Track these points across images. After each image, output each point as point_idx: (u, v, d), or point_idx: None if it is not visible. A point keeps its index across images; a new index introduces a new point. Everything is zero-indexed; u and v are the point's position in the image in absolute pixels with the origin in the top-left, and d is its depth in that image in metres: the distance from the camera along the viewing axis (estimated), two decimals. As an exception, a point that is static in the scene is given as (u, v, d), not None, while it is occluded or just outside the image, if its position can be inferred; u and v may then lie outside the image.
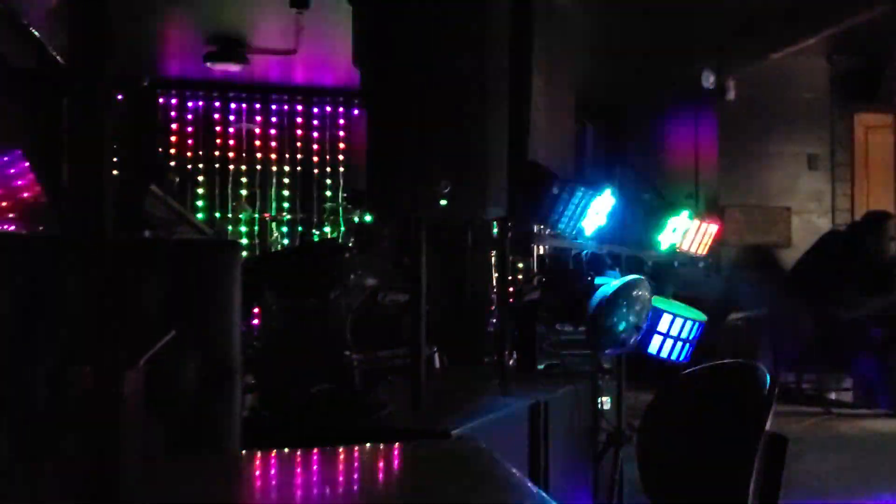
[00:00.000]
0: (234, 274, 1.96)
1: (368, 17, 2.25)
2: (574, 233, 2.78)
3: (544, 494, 1.16)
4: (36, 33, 2.90)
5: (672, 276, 4.10)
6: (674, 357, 3.26)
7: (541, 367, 3.65)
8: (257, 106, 8.31)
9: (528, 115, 2.58)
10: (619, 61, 6.72)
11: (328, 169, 8.44)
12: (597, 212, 2.83)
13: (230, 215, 8.17)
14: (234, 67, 6.97)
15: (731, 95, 6.90)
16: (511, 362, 4.13)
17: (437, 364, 3.52)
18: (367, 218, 7.10)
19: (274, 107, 8.34)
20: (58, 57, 3.12)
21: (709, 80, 6.88)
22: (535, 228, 3.04)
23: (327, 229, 7.88)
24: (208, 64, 6.90)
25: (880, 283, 5.36)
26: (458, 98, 2.28)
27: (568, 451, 3.01)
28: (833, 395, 5.92)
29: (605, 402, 3.53)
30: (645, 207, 3.41)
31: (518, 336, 3.55)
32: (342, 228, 7.90)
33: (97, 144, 2.27)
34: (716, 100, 7.03)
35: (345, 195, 7.01)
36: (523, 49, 2.52)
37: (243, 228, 8.16)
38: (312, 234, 8.02)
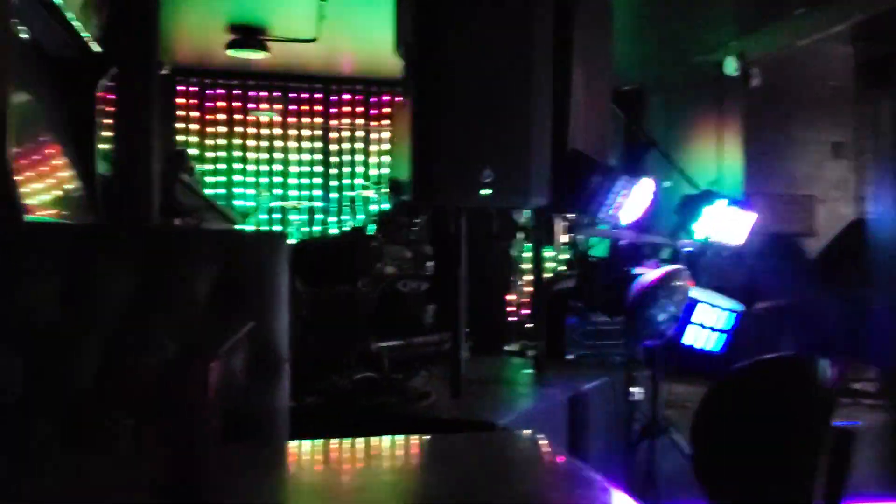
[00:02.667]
0: (281, 263, 1.95)
1: (413, 7, 2.23)
2: (612, 222, 2.75)
3: (618, 489, 1.15)
4: (73, 21, 2.89)
5: (708, 266, 4.07)
6: (709, 348, 3.25)
7: (570, 357, 3.63)
8: (277, 94, 8.30)
9: (569, 103, 2.55)
10: (640, 47, 6.66)
11: (347, 157, 8.43)
12: (636, 201, 2.80)
13: (250, 203, 8.17)
14: (255, 56, 6.96)
15: (756, 83, 6.83)
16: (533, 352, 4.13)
17: (465, 353, 3.52)
18: (386, 206, 7.10)
19: (293, 94, 8.33)
20: (92, 44, 3.11)
21: (732, 67, 6.81)
22: (575, 217, 3.02)
23: (346, 217, 7.89)
24: (229, 52, 6.89)
25: (909, 273, 5.30)
26: (501, 87, 2.26)
27: (604, 442, 3.00)
28: (858, 386, 5.87)
29: (638, 392, 3.52)
30: (680, 196, 3.38)
31: (548, 326, 3.54)
32: (362, 216, 7.91)
33: (143, 134, 2.26)
34: (739, 87, 6.95)
35: (374, 183, 6.99)
36: (565, 38, 2.49)
37: (263, 216, 8.17)
38: (331, 223, 8.03)
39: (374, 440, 1.57)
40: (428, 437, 1.71)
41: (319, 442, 1.55)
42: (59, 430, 1.69)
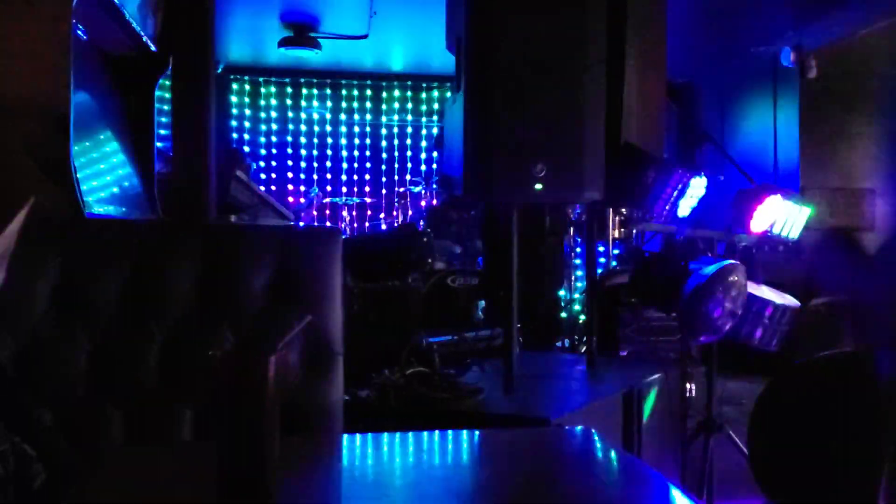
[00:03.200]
0: (335, 258, 1.97)
1: (465, 3, 2.23)
2: (668, 216, 2.72)
3: (688, 490, 1.14)
4: (131, 21, 2.95)
5: (761, 261, 3.99)
6: (766, 345, 3.18)
7: (624, 353, 3.60)
8: (328, 91, 8.38)
9: (622, 97, 2.53)
10: (694, 40, 6.57)
11: (397, 153, 8.48)
12: (691, 195, 2.76)
13: (301, 200, 8.27)
14: (307, 53, 7.03)
15: (813, 74, 6.68)
16: (584, 348, 4.10)
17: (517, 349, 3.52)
18: (435, 202, 7.12)
19: (344, 91, 8.40)
20: (150, 44, 3.17)
21: (789, 58, 6.67)
22: (628, 212, 2.99)
23: (396, 213, 7.93)
24: (282, 50, 6.97)
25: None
26: (554, 81, 2.25)
27: (657, 439, 2.97)
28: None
29: (692, 389, 3.48)
30: (736, 190, 3.32)
31: (601, 321, 3.51)
32: (412, 212, 7.93)
33: (200, 132, 2.30)
34: (796, 79, 6.81)
35: (424, 179, 7.04)
36: (618, 31, 2.46)
37: (314, 213, 8.26)
38: (381, 219, 8.08)
39: (426, 434, 1.57)
40: (481, 431, 1.71)
41: (373, 436, 1.56)
42: (124, 421, 1.73)
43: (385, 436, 1.56)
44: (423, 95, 8.51)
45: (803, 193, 6.63)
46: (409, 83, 8.43)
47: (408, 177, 8.31)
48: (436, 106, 8.51)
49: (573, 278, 4.82)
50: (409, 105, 8.49)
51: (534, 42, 2.21)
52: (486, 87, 2.22)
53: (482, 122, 2.22)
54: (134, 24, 3.09)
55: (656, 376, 2.91)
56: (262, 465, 1.07)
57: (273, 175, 8.38)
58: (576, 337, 4.32)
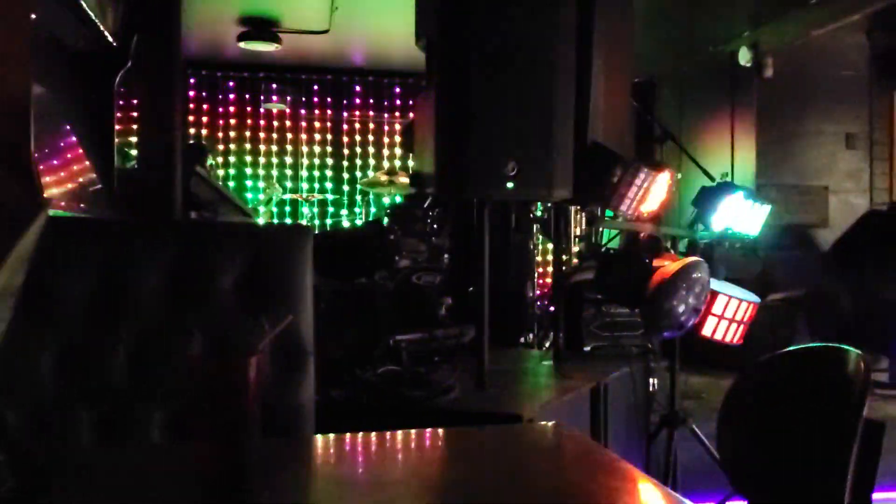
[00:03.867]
0: (307, 256, 1.96)
1: (438, 2, 2.23)
2: (632, 214, 2.75)
3: (661, 482, 1.16)
4: (90, 14, 2.89)
5: (723, 258, 4.07)
6: (728, 340, 3.25)
7: (588, 349, 3.64)
8: (288, 86, 8.30)
9: (590, 96, 2.55)
10: (654, 38, 6.64)
11: (359, 149, 8.44)
12: (655, 193, 2.80)
13: (261, 195, 8.19)
14: (266, 47, 6.96)
15: (769, 73, 6.81)
16: (549, 344, 4.14)
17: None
18: (398, 199, 7.10)
19: (305, 86, 8.33)
20: (110, 38, 3.11)
21: (746, 57, 6.79)
22: (593, 210, 3.02)
23: (358, 210, 7.90)
24: (241, 44, 6.89)
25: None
26: (524, 79, 2.26)
27: (623, 433, 3.01)
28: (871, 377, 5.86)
29: (654, 383, 3.53)
30: (695, 188, 3.38)
31: (566, 317, 3.55)
32: (374, 209, 7.91)
33: (168, 127, 2.27)
34: (753, 78, 6.93)
35: (387, 175, 7.01)
36: (586, 30, 2.49)
37: (274, 209, 8.18)
38: (343, 216, 8.04)
39: (400, 433, 1.57)
40: (456, 429, 1.71)
41: (345, 436, 1.55)
42: (94, 423, 1.71)
43: (358, 435, 1.56)
44: (386, 90, 8.48)
45: (759, 191, 6.75)
46: (371, 78, 8.39)
47: (370, 172, 8.28)
48: (398, 101, 8.48)
49: (537, 275, 4.84)
50: (371, 100, 8.46)
51: (504, 40, 2.22)
52: (456, 84, 2.22)
53: (454, 120, 2.23)
54: (93, 18, 3.04)
55: (622, 371, 2.94)
56: (244, 465, 1.07)
57: (232, 171, 8.28)
58: (541, 333, 4.35)
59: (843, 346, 1.57)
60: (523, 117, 2.23)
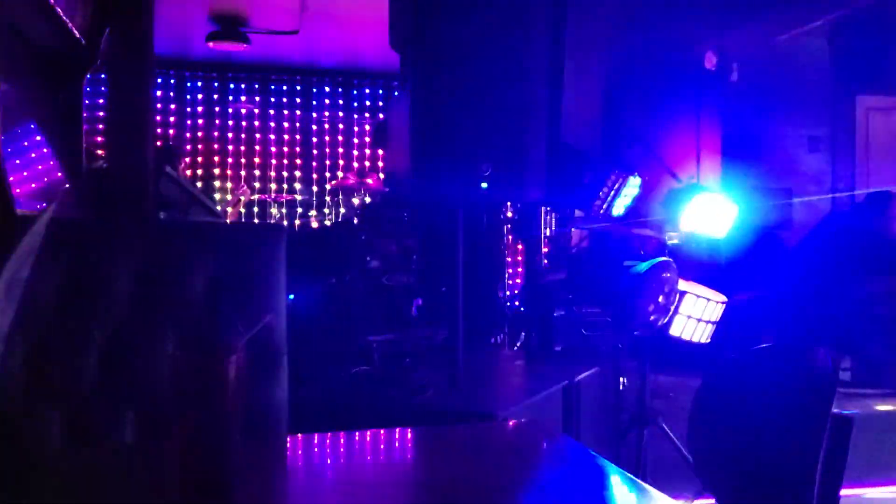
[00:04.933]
0: (279, 256, 1.96)
1: (410, 2, 2.24)
2: (603, 215, 2.78)
3: (634, 477, 1.17)
4: (58, 10, 2.85)
5: (688, 258, 4.11)
6: (696, 339, 3.29)
7: (559, 348, 3.67)
8: (257, 86, 8.25)
9: (562, 98, 2.58)
10: (619, 41, 6.70)
11: (328, 150, 8.41)
12: (625, 194, 2.84)
13: (229, 196, 8.13)
14: (236, 47, 6.91)
15: (735, 77, 6.90)
16: (520, 343, 4.16)
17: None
18: (368, 199, 7.08)
19: (274, 87, 8.29)
20: (78, 35, 3.07)
21: (712, 61, 6.88)
22: (564, 211, 3.05)
23: (328, 210, 7.87)
24: (210, 44, 6.84)
25: (884, 262, 5.40)
26: (498, 81, 2.28)
27: (594, 432, 3.04)
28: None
29: (624, 382, 3.57)
30: (667, 189, 3.42)
31: (537, 317, 3.57)
32: (343, 210, 7.89)
33: (140, 127, 2.24)
34: (718, 82, 7.02)
35: (358, 175, 6.99)
36: (558, 33, 2.51)
37: (243, 210, 8.13)
38: (312, 216, 8.00)
39: (375, 433, 1.58)
40: (431, 428, 1.72)
41: (319, 436, 1.55)
42: (63, 424, 1.69)
43: (332, 435, 1.56)
44: (355, 91, 8.46)
45: (725, 193, 6.83)
46: (340, 79, 8.37)
47: (339, 174, 8.25)
48: (367, 102, 8.47)
49: (508, 275, 4.87)
50: (341, 101, 8.43)
51: (477, 43, 2.23)
52: (432, 87, 2.23)
53: (428, 121, 2.24)
54: (61, 15, 2.99)
55: (594, 370, 2.97)
56: (225, 465, 1.06)
57: (199, 171, 8.20)
58: (513, 332, 4.37)
59: (809, 344, 1.60)
60: (497, 119, 2.25)
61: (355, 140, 8.45)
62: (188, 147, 8.11)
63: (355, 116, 8.41)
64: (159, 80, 8.03)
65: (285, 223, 7.80)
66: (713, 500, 1.70)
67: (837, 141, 7.35)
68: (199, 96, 8.17)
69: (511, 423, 1.97)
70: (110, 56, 2.76)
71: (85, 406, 1.70)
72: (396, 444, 1.57)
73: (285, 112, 8.31)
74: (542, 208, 3.94)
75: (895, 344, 5.27)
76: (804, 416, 1.49)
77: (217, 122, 8.20)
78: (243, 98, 8.09)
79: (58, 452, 1.62)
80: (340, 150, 8.39)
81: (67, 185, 3.26)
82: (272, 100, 8.27)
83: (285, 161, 8.33)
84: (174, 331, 1.80)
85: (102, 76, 3.22)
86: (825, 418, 1.45)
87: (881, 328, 5.41)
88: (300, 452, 1.57)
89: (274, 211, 7.77)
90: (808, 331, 5.64)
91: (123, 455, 1.47)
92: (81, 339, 1.73)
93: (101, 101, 3.07)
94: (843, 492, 1.49)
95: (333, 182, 8.07)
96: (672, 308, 2.98)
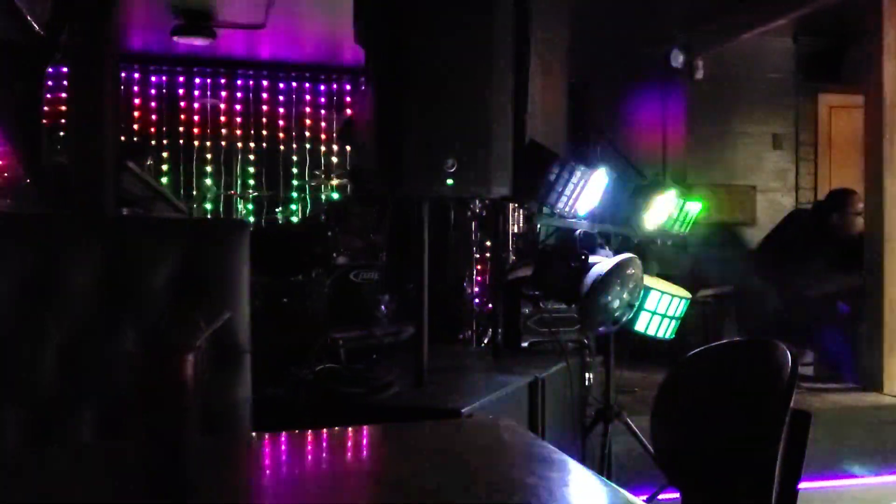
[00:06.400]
0: (243, 252, 1.94)
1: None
2: (569, 211, 2.80)
3: (597, 473, 1.18)
4: (18, 4, 2.80)
5: (655, 255, 4.16)
6: (660, 335, 3.32)
7: (525, 344, 3.68)
8: (223, 81, 8.17)
9: (527, 95, 2.58)
10: (588, 36, 6.73)
11: (294, 146, 8.35)
12: (591, 191, 2.85)
13: (195, 192, 8.05)
14: (200, 42, 6.83)
15: (700, 75, 6.97)
16: (486, 340, 4.17)
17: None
18: (335, 195, 7.06)
19: (240, 82, 8.21)
20: (38, 28, 3.02)
21: (678, 59, 6.94)
22: (530, 207, 3.05)
23: (294, 206, 7.82)
24: (174, 38, 6.75)
25: (846, 259, 5.49)
26: (463, 77, 2.28)
27: (559, 427, 3.06)
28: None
29: (590, 378, 3.60)
30: (631, 186, 3.44)
31: (503, 314, 3.58)
32: (310, 206, 7.85)
33: (99, 121, 2.21)
34: (684, 79, 7.09)
35: (321, 173, 6.97)
36: (523, 30, 2.52)
37: (208, 206, 8.05)
38: (278, 213, 7.94)
39: (339, 430, 1.57)
40: (395, 425, 1.72)
41: (283, 434, 1.54)
42: (21, 423, 1.66)
43: (296, 433, 1.54)
44: (322, 87, 8.40)
45: (690, 189, 6.90)
46: (308, 74, 8.31)
47: (306, 170, 8.20)
48: (335, 98, 8.42)
49: (475, 272, 4.87)
50: (307, 97, 8.37)
51: (442, 38, 2.23)
52: (396, 82, 2.23)
53: (393, 116, 2.23)
54: (21, 8, 2.94)
55: (559, 366, 2.99)
56: (183, 462, 1.05)
57: (164, 167, 8.10)
58: (479, 329, 4.38)
59: (770, 339, 1.62)
60: (462, 115, 2.25)
61: (322, 136, 8.40)
62: (153, 143, 8.00)
63: (322, 112, 8.36)
64: (122, 75, 7.91)
65: (252, 219, 7.73)
66: (677, 494, 1.72)
67: (800, 139, 7.46)
68: (164, 91, 8.07)
69: (475, 420, 1.97)
70: (72, 49, 2.72)
71: (43, 404, 1.67)
72: (361, 442, 1.56)
73: (251, 107, 8.23)
74: (509, 205, 3.94)
75: (855, 339, 5.37)
76: (764, 410, 1.51)
77: (182, 117, 8.11)
78: (208, 93, 8.00)
79: (16, 451, 1.59)
80: (307, 146, 8.34)
81: (27, 181, 3.21)
82: (238, 95, 8.19)
83: (251, 157, 8.26)
84: (133, 328, 1.78)
85: (65, 70, 3.17)
86: (784, 412, 1.47)
87: (841, 324, 5.50)
88: (264, 450, 1.56)
89: (239, 207, 7.70)
90: (771, 326, 5.73)
91: (82, 453, 1.45)
92: (39, 336, 1.70)
93: (62, 94, 3.02)
94: (802, 485, 1.51)
95: (300, 178, 8.03)
96: (637, 304, 3.00)
